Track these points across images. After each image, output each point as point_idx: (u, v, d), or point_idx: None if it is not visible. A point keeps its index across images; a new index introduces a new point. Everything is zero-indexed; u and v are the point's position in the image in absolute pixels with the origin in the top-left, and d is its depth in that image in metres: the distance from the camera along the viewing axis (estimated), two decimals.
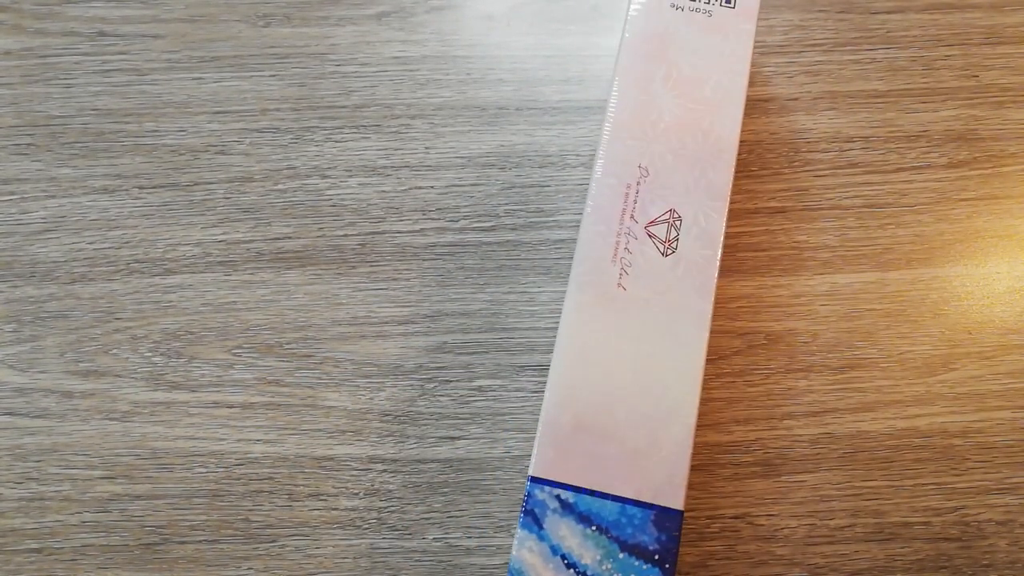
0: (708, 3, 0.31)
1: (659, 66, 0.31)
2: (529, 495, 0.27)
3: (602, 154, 0.30)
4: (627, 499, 0.27)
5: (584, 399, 0.28)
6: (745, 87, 0.31)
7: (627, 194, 0.30)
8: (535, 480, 0.27)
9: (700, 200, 0.29)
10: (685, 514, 0.27)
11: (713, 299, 0.29)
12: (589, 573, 0.27)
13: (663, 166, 0.30)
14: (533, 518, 0.27)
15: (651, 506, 0.27)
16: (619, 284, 0.29)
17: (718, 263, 0.29)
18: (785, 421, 0.36)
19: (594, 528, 0.27)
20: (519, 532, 0.27)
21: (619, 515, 0.27)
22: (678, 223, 0.29)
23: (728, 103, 0.30)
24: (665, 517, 0.27)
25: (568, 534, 0.27)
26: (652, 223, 0.29)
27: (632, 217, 0.29)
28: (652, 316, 0.29)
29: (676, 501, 0.27)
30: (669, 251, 0.29)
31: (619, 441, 0.28)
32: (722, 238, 0.29)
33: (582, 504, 0.27)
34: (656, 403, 0.28)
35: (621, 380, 0.28)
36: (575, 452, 0.28)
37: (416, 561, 0.35)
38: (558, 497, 0.27)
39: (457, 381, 0.37)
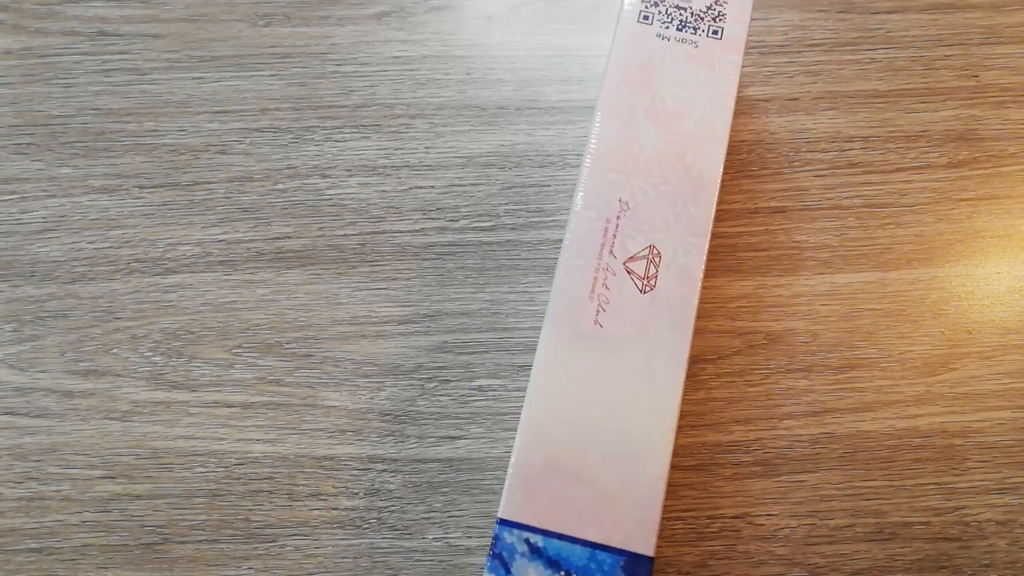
0: (695, 34, 0.30)
1: (643, 97, 0.30)
2: (497, 538, 0.27)
3: (582, 186, 0.29)
4: (597, 544, 0.27)
5: (557, 439, 0.27)
6: (729, 121, 0.30)
7: (607, 228, 0.29)
8: (504, 523, 0.27)
9: (680, 236, 0.29)
10: (659, 552, 0.27)
11: (690, 339, 0.28)
12: None
13: (644, 200, 0.29)
14: (501, 562, 0.27)
15: (621, 552, 0.27)
16: (596, 321, 0.28)
17: (696, 302, 0.28)
18: (785, 421, 0.36)
19: (563, 573, 0.26)
20: None
21: (588, 560, 0.27)
22: (657, 259, 0.29)
23: (711, 137, 0.30)
24: (635, 564, 0.26)
25: None
26: (631, 259, 0.29)
27: (611, 252, 0.29)
28: (628, 355, 0.28)
29: (647, 547, 0.27)
30: (648, 288, 0.28)
31: (591, 483, 0.27)
32: (701, 276, 0.28)
33: (551, 548, 0.27)
34: (629, 445, 0.27)
35: (595, 420, 0.27)
36: (546, 494, 0.27)
37: (416, 561, 0.35)
38: (527, 541, 0.27)
39: (457, 381, 0.37)
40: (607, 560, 0.27)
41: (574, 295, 0.28)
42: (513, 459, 0.27)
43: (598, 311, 0.28)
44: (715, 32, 0.30)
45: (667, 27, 0.30)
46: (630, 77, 0.30)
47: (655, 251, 0.29)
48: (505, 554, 0.27)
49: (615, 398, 0.28)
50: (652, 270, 0.29)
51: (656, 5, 0.31)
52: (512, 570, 0.27)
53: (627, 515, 0.27)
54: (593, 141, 0.30)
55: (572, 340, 0.28)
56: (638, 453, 0.27)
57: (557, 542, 0.27)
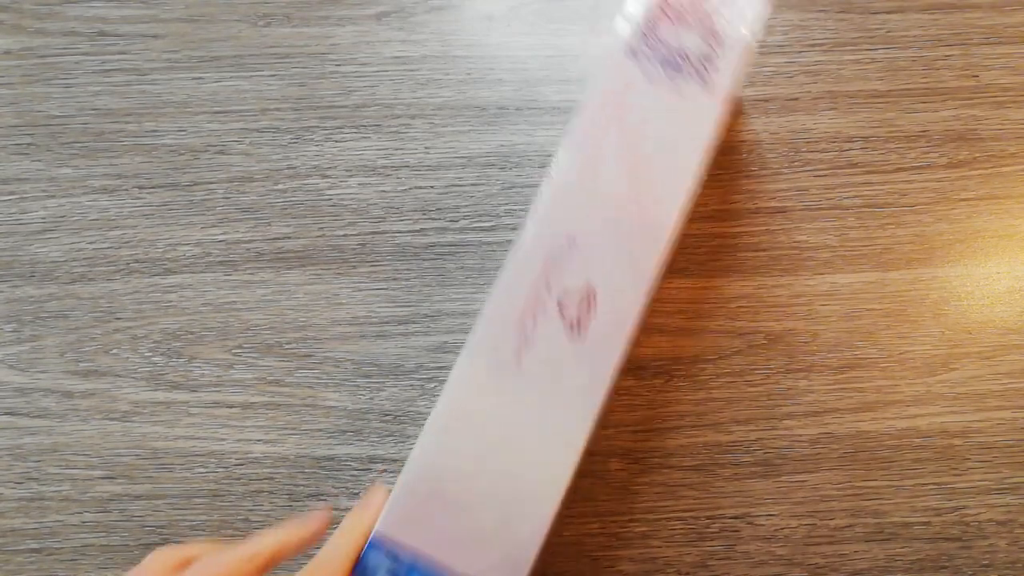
0: (678, 75, 0.29)
1: (613, 133, 0.29)
2: (364, 556, 0.26)
3: (533, 215, 0.28)
4: (459, 575, 0.26)
5: (450, 466, 0.27)
6: (698, 170, 0.28)
7: (547, 264, 0.28)
8: (375, 540, 0.26)
9: (620, 281, 0.28)
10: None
11: (606, 391, 0.27)
12: None
13: (592, 239, 0.28)
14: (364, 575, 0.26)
15: None
16: (516, 355, 0.27)
17: (621, 351, 0.27)
18: (785, 421, 0.36)
19: None
20: None
21: None
22: (592, 301, 0.27)
23: (675, 182, 0.28)
24: None
25: None
26: (566, 297, 0.27)
27: (547, 287, 0.27)
28: (541, 396, 0.27)
29: None
30: (576, 329, 0.27)
31: (473, 516, 0.26)
32: (632, 323, 0.27)
33: (416, 572, 0.26)
34: (520, 486, 0.27)
35: (492, 456, 0.27)
36: (426, 518, 0.26)
37: None
38: (395, 558, 0.26)
39: None
40: None
41: (500, 325, 0.27)
42: (401, 477, 0.27)
43: (521, 347, 0.27)
44: (701, 78, 0.29)
45: (652, 65, 0.29)
46: (605, 110, 0.29)
47: (591, 290, 0.28)
48: (369, 569, 0.26)
49: (516, 436, 0.27)
50: (584, 310, 0.27)
51: (646, 41, 0.29)
52: None
53: (500, 552, 0.26)
54: (553, 171, 0.28)
55: (488, 369, 0.27)
56: (526, 494, 0.27)
57: (424, 567, 0.26)
